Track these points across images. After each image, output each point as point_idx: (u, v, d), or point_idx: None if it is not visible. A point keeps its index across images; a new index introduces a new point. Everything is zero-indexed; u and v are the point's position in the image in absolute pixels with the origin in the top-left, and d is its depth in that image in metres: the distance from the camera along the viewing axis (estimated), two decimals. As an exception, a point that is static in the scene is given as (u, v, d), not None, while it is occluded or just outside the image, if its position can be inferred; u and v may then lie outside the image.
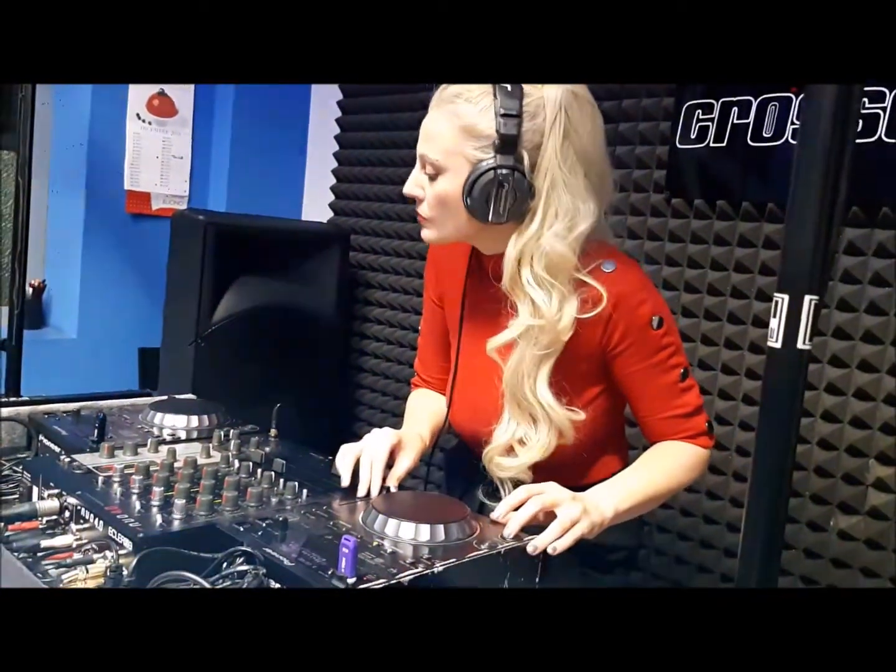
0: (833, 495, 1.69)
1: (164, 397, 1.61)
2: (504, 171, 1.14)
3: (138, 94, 2.67)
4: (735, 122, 1.81)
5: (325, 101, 2.89)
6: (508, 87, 1.16)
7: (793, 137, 1.72)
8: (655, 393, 1.25)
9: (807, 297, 0.56)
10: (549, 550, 1.02)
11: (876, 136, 1.61)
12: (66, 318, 2.73)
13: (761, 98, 1.76)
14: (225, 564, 0.93)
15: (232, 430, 1.38)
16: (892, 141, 1.58)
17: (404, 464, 1.22)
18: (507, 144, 1.13)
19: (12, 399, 1.43)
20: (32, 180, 2.74)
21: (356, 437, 1.25)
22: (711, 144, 1.85)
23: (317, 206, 2.94)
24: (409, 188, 1.23)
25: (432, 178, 1.19)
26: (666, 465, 1.24)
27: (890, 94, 1.59)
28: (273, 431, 1.43)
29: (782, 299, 0.57)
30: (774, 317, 0.57)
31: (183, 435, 1.40)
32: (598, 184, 1.21)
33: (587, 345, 1.22)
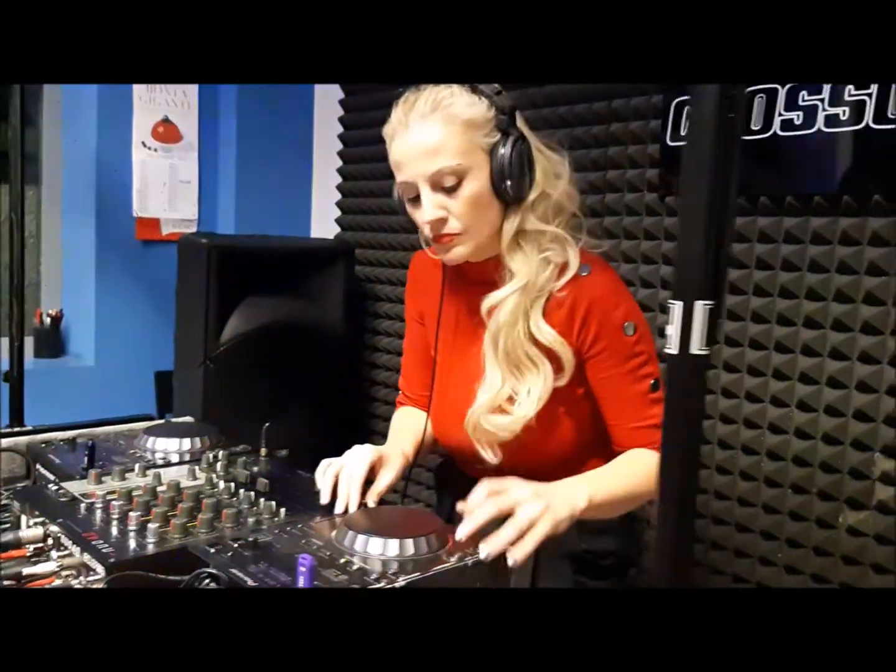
0: (840, 491, 1.65)
1: (161, 421, 1.64)
2: (524, 140, 1.19)
3: (143, 122, 2.73)
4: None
5: (327, 117, 2.92)
6: None
7: (780, 129, 1.69)
8: (625, 401, 1.24)
9: (699, 303, 0.55)
10: (510, 563, 1.01)
11: (864, 124, 1.57)
12: (83, 346, 2.79)
13: (748, 91, 1.74)
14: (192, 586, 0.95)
15: (221, 452, 1.40)
16: (880, 127, 1.55)
17: (384, 480, 1.22)
18: (512, 116, 1.20)
19: (10, 430, 1.46)
20: (48, 214, 2.83)
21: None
22: (701, 140, 1.82)
23: (325, 222, 2.97)
24: (431, 214, 1.18)
25: (453, 189, 1.17)
26: (639, 470, 1.22)
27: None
28: (263, 451, 1.45)
29: (676, 306, 0.56)
30: (671, 324, 0.57)
31: (175, 458, 1.42)
32: None
33: (568, 341, 1.22)
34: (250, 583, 0.93)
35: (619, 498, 1.19)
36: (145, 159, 2.74)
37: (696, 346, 0.56)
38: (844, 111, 1.58)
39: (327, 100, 2.91)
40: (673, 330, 0.57)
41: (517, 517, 1.04)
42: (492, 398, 1.24)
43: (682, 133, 1.86)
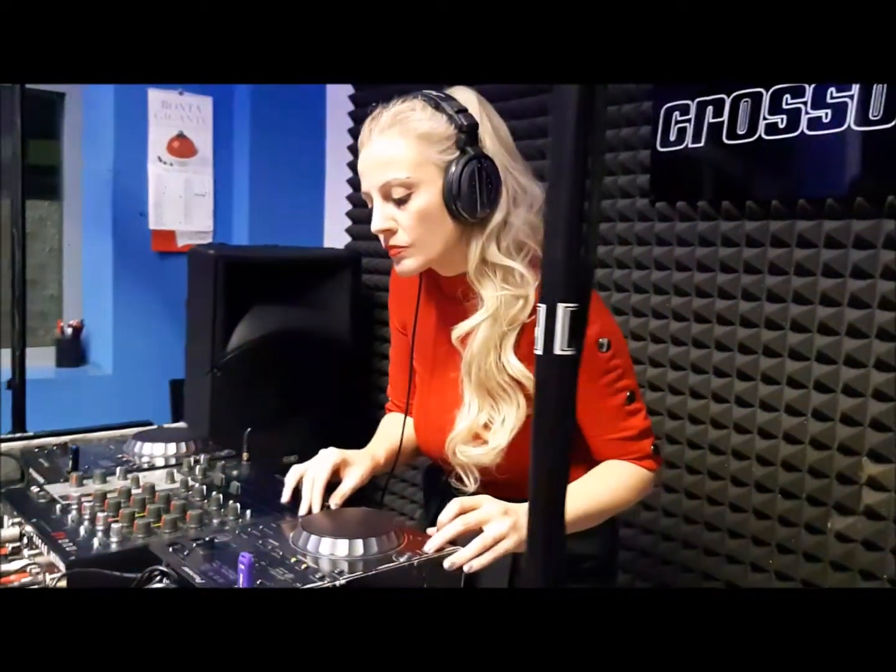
0: (828, 496, 1.64)
1: (152, 427, 1.69)
2: (483, 160, 1.18)
3: (158, 138, 2.81)
4: (710, 121, 1.79)
5: (339, 130, 2.98)
6: (433, 92, 1.21)
7: (765, 133, 1.69)
8: (601, 414, 1.25)
9: (560, 306, 0.57)
10: (465, 569, 1.03)
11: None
12: (102, 355, 2.88)
13: (734, 95, 1.74)
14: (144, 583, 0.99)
15: (203, 456, 1.44)
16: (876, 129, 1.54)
17: (348, 482, 1.25)
18: (472, 135, 1.18)
19: (7, 435, 1.53)
20: (69, 228, 2.93)
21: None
22: (690, 145, 1.83)
23: (337, 232, 3.02)
24: (379, 224, 1.21)
25: (402, 201, 1.19)
26: (610, 483, 1.24)
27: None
28: (245, 455, 1.49)
29: (541, 308, 0.58)
30: (538, 326, 0.59)
31: (160, 462, 1.47)
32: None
33: None
34: (198, 580, 0.96)
35: (589, 513, 1.21)
36: (161, 173, 2.83)
37: (559, 347, 0.58)
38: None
39: (339, 112, 2.97)
40: (539, 332, 0.58)
41: (484, 534, 1.07)
42: (469, 426, 1.26)
43: (672, 138, 1.86)
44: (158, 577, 0.99)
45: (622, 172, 2.00)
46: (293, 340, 2.50)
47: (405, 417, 1.43)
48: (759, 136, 1.69)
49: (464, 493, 1.25)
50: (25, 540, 1.15)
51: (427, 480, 1.60)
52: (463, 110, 1.20)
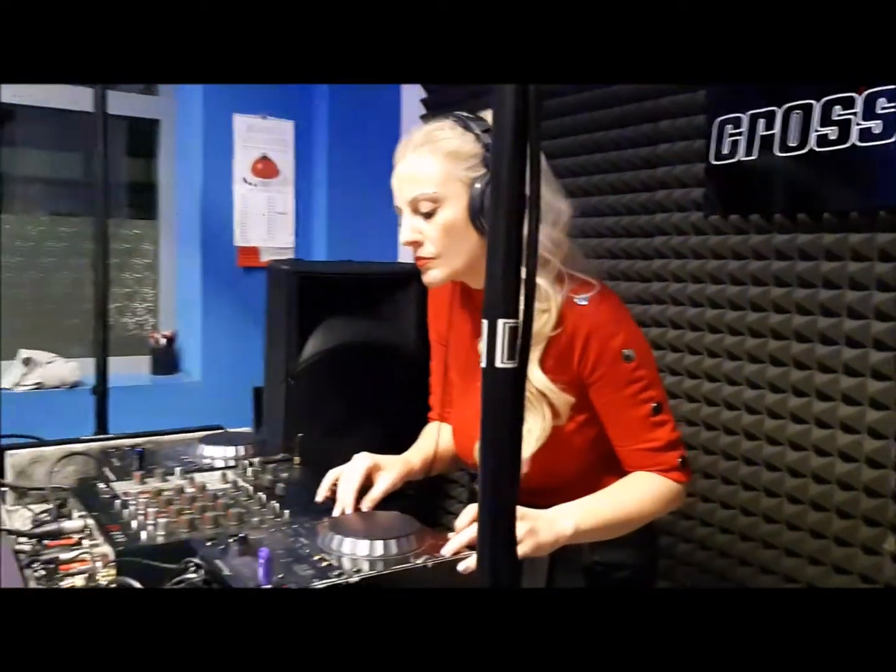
0: (883, 516, 1.59)
1: (220, 431, 1.81)
2: None
3: (243, 160, 2.98)
4: (762, 133, 1.77)
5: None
6: (464, 113, 1.27)
7: (817, 145, 1.66)
8: (627, 424, 1.27)
9: (500, 321, 0.62)
10: (460, 569, 1.07)
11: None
12: (192, 364, 3.06)
13: (785, 107, 1.72)
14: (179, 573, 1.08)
15: (257, 459, 1.55)
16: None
17: (380, 486, 1.32)
18: None
19: (86, 437, 1.67)
20: (164, 244, 3.14)
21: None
22: (742, 159, 1.82)
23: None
24: (406, 236, 1.29)
25: (429, 215, 1.26)
26: (635, 494, 1.26)
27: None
28: (297, 459, 1.58)
29: (484, 324, 0.63)
30: (482, 340, 0.63)
31: (219, 464, 1.58)
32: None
33: (566, 372, 1.27)
34: (226, 572, 1.05)
35: (611, 522, 1.24)
36: (246, 193, 3.00)
37: (500, 361, 0.63)
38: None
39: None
40: (483, 346, 0.63)
41: (468, 529, 1.12)
42: None
43: (725, 152, 1.86)
44: (193, 569, 1.08)
45: (677, 186, 2.00)
46: (362, 351, 2.59)
47: (440, 425, 1.49)
48: (811, 147, 1.67)
49: None
50: (87, 532, 1.27)
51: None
52: (490, 129, 1.25)
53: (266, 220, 3.03)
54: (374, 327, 2.64)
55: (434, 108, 2.90)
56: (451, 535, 1.17)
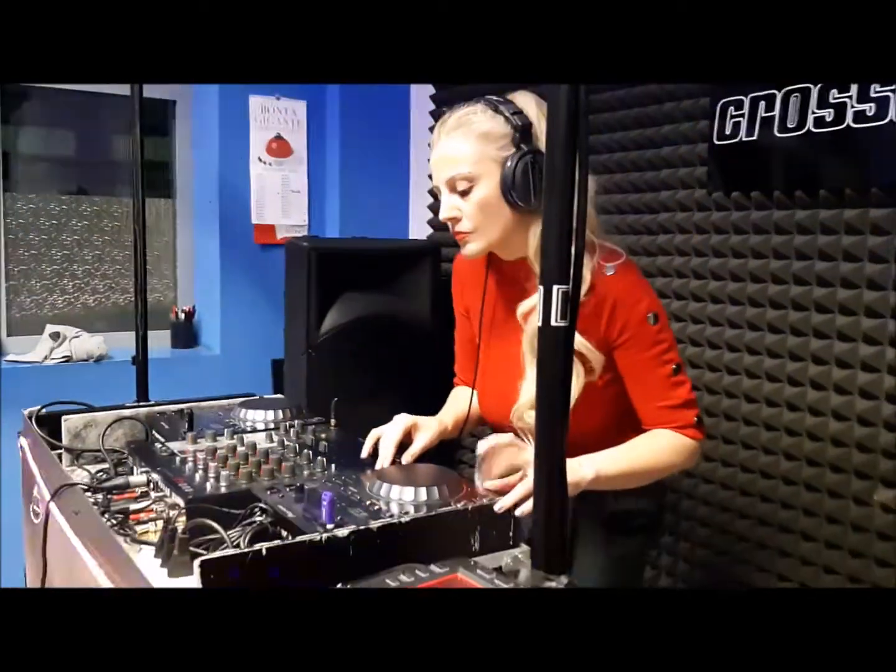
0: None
1: (255, 397, 1.94)
2: (536, 155, 1.33)
3: (258, 140, 3.08)
4: (763, 115, 1.89)
5: (422, 128, 3.17)
6: (494, 97, 1.38)
7: (814, 126, 1.78)
8: (649, 383, 1.38)
9: (555, 287, 0.74)
10: (496, 509, 1.19)
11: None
12: (211, 338, 3.18)
13: (784, 90, 1.84)
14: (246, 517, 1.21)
15: (297, 422, 1.67)
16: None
17: (418, 443, 1.44)
18: (525, 133, 1.35)
19: (134, 403, 1.79)
20: (182, 223, 3.24)
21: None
22: (744, 139, 1.94)
23: (420, 224, 3.23)
24: (445, 213, 1.39)
25: (465, 193, 1.36)
26: (654, 447, 1.37)
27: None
28: (333, 422, 1.71)
29: (540, 289, 0.75)
30: (539, 303, 0.76)
31: (261, 426, 1.70)
32: None
33: (594, 335, 1.38)
34: (290, 515, 1.17)
35: (632, 471, 1.35)
36: (261, 172, 3.10)
37: (555, 320, 0.75)
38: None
39: (421, 113, 3.17)
40: (539, 308, 0.76)
41: (526, 480, 1.22)
42: (533, 397, 1.42)
43: (727, 132, 1.97)
44: (259, 513, 1.20)
45: (682, 165, 2.12)
46: (379, 324, 2.72)
47: (472, 391, 1.61)
48: (808, 129, 1.79)
49: None
50: (151, 485, 1.40)
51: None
52: (519, 112, 1.36)
53: (281, 199, 3.14)
54: (390, 301, 2.76)
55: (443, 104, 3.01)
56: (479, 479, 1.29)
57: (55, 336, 2.84)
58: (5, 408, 2.48)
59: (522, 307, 1.42)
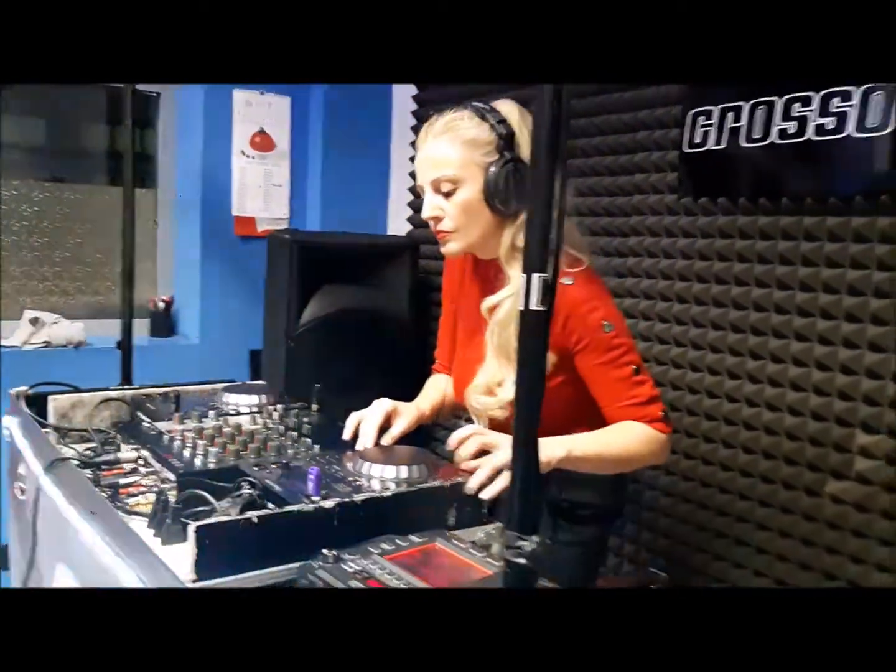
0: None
1: (239, 383, 2.00)
2: (517, 162, 1.41)
3: (242, 134, 3.13)
4: (731, 125, 1.99)
5: (403, 127, 3.25)
6: (480, 104, 1.46)
7: (778, 138, 1.88)
8: (612, 385, 1.45)
9: (535, 275, 0.82)
10: (466, 490, 1.26)
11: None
12: (190, 327, 3.22)
13: (751, 103, 1.94)
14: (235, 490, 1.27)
15: (280, 406, 1.74)
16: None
17: (398, 427, 1.52)
18: (509, 142, 1.43)
19: (120, 386, 1.85)
20: (163, 213, 3.27)
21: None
22: (712, 147, 2.04)
23: (399, 221, 3.30)
24: (428, 212, 1.47)
25: (449, 194, 1.44)
26: (625, 434, 1.44)
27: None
28: (315, 407, 1.77)
29: (522, 277, 0.83)
30: (523, 289, 0.83)
31: (245, 410, 1.76)
32: None
33: (549, 337, 1.46)
34: (277, 489, 1.24)
35: (603, 456, 1.42)
36: (244, 165, 3.15)
37: (534, 304, 0.83)
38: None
39: (403, 112, 3.24)
40: (521, 293, 0.83)
41: (494, 458, 1.29)
42: (486, 381, 1.50)
43: (697, 141, 2.07)
44: (248, 486, 1.27)
45: (654, 170, 2.22)
46: (357, 317, 2.79)
47: (446, 377, 1.69)
48: (772, 140, 1.89)
49: None
50: (141, 461, 1.45)
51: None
52: (503, 121, 1.44)
53: (262, 192, 3.19)
54: (369, 295, 2.84)
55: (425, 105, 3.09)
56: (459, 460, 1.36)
57: (34, 321, 2.87)
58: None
59: (487, 302, 1.50)
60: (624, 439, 1.45)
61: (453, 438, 1.35)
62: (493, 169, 1.42)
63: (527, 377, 0.84)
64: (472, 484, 1.27)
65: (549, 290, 0.83)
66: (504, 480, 1.26)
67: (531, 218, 0.83)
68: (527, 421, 0.85)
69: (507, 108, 1.47)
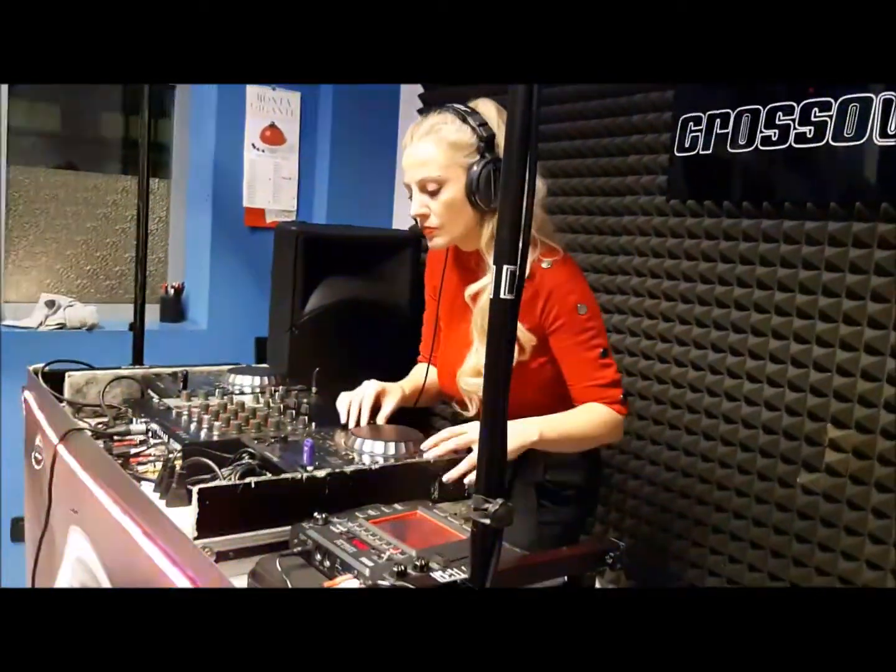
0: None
1: (244, 366, 2.11)
2: (497, 162, 1.51)
3: (253, 127, 3.24)
4: (718, 131, 2.08)
5: (410, 123, 3.33)
6: (461, 106, 1.56)
7: (762, 144, 1.98)
8: (580, 364, 1.56)
9: (505, 266, 0.92)
10: (446, 480, 1.35)
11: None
12: (199, 313, 3.34)
13: (737, 110, 2.03)
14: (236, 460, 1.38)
15: (282, 387, 1.84)
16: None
17: (388, 405, 1.63)
18: (489, 143, 1.54)
19: (131, 366, 1.96)
20: (175, 202, 3.39)
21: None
22: (700, 152, 2.13)
23: (403, 215, 3.40)
24: (416, 210, 1.58)
25: (434, 193, 1.55)
26: (589, 416, 1.55)
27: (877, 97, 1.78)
28: (314, 389, 1.88)
29: (493, 268, 0.93)
30: (491, 280, 0.93)
31: (248, 390, 1.87)
32: None
33: (529, 320, 1.56)
34: (274, 459, 1.35)
35: (570, 437, 1.52)
36: (254, 158, 3.26)
37: (503, 294, 0.92)
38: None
39: (410, 109, 3.34)
40: (491, 284, 0.93)
41: (473, 454, 1.38)
42: (474, 364, 1.61)
43: (686, 145, 2.16)
44: (248, 457, 1.38)
45: (645, 172, 2.31)
46: (359, 307, 2.89)
47: (427, 366, 1.79)
48: (756, 146, 1.99)
49: (465, 418, 1.61)
50: (150, 434, 1.56)
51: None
52: (484, 123, 1.55)
53: (272, 185, 3.30)
54: (371, 287, 2.94)
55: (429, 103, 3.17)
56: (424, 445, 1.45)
57: (50, 304, 2.98)
58: (5, 369, 2.64)
59: (470, 289, 1.62)
60: (589, 422, 1.55)
61: (428, 444, 1.44)
62: (474, 169, 1.52)
63: (496, 359, 0.94)
64: (452, 475, 1.36)
65: (517, 281, 0.93)
66: None
67: (501, 214, 0.93)
68: (493, 398, 0.94)
69: (486, 107, 1.58)
